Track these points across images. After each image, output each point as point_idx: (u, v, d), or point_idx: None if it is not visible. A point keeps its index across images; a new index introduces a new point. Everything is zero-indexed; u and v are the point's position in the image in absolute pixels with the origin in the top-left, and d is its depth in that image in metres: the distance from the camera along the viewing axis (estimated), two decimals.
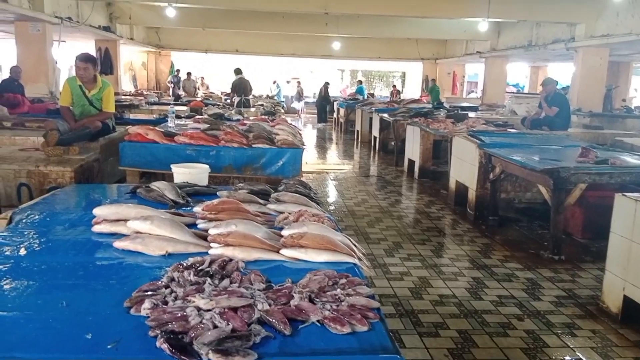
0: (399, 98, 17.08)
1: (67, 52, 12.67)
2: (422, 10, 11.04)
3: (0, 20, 9.90)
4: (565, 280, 4.21)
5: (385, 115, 10.57)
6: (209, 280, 1.72)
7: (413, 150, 8.38)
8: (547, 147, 5.92)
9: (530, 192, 6.05)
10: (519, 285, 4.07)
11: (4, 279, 1.73)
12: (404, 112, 10.13)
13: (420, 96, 17.15)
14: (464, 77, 20.63)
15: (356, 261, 2.05)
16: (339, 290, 1.69)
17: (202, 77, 19.81)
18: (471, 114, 10.34)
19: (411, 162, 8.47)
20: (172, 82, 18.34)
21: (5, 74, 11.69)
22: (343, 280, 1.77)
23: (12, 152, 4.39)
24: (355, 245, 2.17)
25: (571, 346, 3.19)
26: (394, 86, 22.49)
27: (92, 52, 12.83)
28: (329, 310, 1.55)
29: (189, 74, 18.12)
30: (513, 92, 18.64)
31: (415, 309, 3.59)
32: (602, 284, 3.76)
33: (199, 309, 1.51)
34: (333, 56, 19.51)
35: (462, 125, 7.51)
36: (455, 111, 10.43)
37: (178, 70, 19.30)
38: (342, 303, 1.60)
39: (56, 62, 10.60)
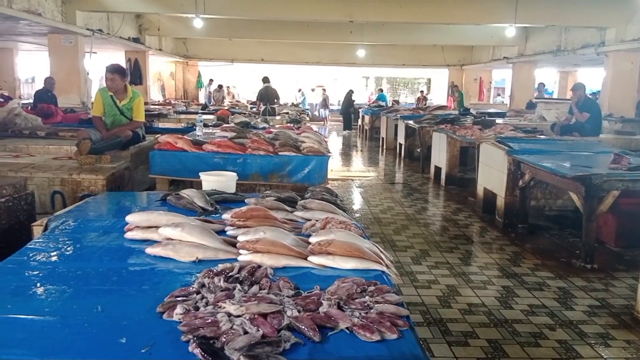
0: (425, 105, 16.97)
1: (99, 62, 13.01)
2: (448, 17, 10.98)
3: (34, 33, 10.25)
4: (599, 290, 4.10)
5: (411, 122, 10.51)
6: (238, 286, 1.74)
7: (439, 157, 8.30)
8: (578, 153, 5.80)
9: (561, 199, 5.92)
10: (550, 295, 3.98)
11: (41, 284, 1.78)
12: (430, 119, 10.06)
13: (447, 102, 17.03)
14: (490, 83, 20.39)
15: (384, 268, 2.04)
16: (367, 297, 1.68)
17: (228, 87, 20.07)
18: (499, 120, 10.20)
19: (437, 169, 8.40)
20: (210, 92, 18.74)
21: (39, 85, 12.07)
22: (371, 288, 1.76)
23: (47, 161, 4.52)
24: (382, 253, 2.17)
25: (605, 357, 3.10)
26: (422, 92, 22.39)
27: (122, 63, 13.16)
28: (358, 318, 1.55)
29: (220, 86, 18.44)
30: (543, 99, 18.34)
31: (443, 317, 3.54)
32: (636, 293, 3.64)
33: (229, 314, 1.53)
34: (357, 64, 19.55)
35: (490, 132, 7.42)
36: (483, 117, 10.30)
37: (211, 80, 19.60)
38: (371, 310, 1.60)
39: (88, 73, 10.89)
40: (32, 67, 18.95)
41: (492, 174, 6.04)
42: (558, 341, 3.25)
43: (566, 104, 9.73)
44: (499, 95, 21.76)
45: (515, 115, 12.83)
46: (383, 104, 17.67)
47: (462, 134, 7.58)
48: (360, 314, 1.58)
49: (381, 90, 21.98)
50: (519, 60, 15.01)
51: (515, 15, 10.33)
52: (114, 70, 4.99)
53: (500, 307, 3.75)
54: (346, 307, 1.62)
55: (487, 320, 3.54)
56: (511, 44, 14.50)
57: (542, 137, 7.67)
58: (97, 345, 1.38)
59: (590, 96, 8.90)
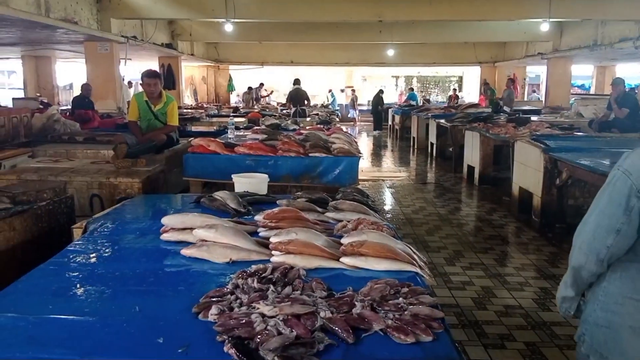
0: (456, 103, 16.72)
1: (134, 69, 13.33)
2: (479, 14, 10.79)
3: (71, 41, 10.56)
4: None
5: (443, 121, 10.38)
6: (272, 287, 1.75)
7: (472, 156, 8.17)
8: (618, 150, 5.59)
9: None
10: None
11: (81, 285, 1.83)
12: (462, 118, 9.91)
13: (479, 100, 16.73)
14: (524, 79, 19.93)
15: (417, 270, 2.02)
16: (401, 299, 1.67)
17: (262, 84, 20.11)
18: (534, 118, 9.97)
19: (470, 169, 8.26)
20: (251, 96, 18.96)
21: (77, 92, 12.45)
22: (405, 289, 1.75)
23: (85, 165, 4.65)
24: (415, 254, 2.14)
25: None
26: (454, 90, 22.08)
27: (156, 68, 13.43)
28: (392, 320, 1.54)
29: (249, 88, 18.64)
30: (578, 94, 17.82)
31: (479, 319, 3.48)
32: None
33: (263, 315, 1.54)
34: (387, 63, 19.41)
35: (525, 130, 7.25)
36: (517, 115, 10.08)
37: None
38: (405, 312, 1.58)
39: (123, 79, 11.17)
40: (69, 74, 19.60)
41: (527, 173, 5.90)
42: None
43: (604, 100, 9.42)
44: (534, 91, 21.22)
45: (550, 112, 12.51)
46: (414, 103, 17.50)
47: (495, 132, 7.44)
48: (394, 315, 1.56)
49: (411, 90, 21.78)
50: (553, 56, 14.61)
51: (549, 9, 10.06)
52: (155, 75, 5.11)
53: (538, 309, 3.66)
54: (380, 308, 1.61)
55: (525, 322, 3.47)
56: (545, 39, 14.12)
57: (580, 134, 7.45)
58: (136, 345, 1.41)
59: (630, 91, 8.58)
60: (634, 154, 1.58)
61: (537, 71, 22.13)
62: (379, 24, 13.28)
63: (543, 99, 16.21)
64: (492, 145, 7.71)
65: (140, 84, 5.12)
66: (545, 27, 11.72)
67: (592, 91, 19.91)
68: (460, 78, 26.24)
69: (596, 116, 8.73)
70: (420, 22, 13.41)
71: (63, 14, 8.38)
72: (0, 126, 6.08)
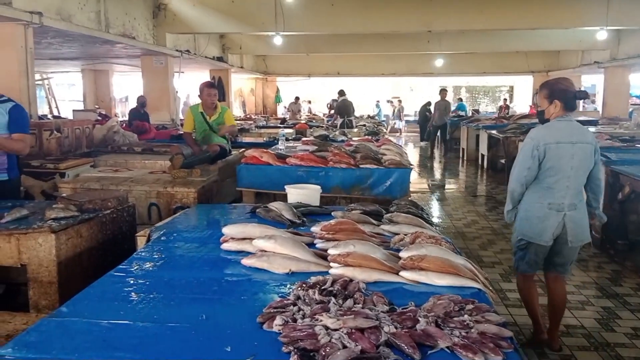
0: (507, 114, 16.31)
1: (188, 81, 13.75)
2: (532, 22, 10.51)
3: (128, 55, 11.04)
4: None
5: (494, 131, 10.14)
6: (333, 299, 1.75)
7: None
8: None
9: None
10: None
11: (149, 292, 1.89)
12: (514, 128, 9.65)
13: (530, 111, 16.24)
14: (580, 89, 19.20)
15: (480, 286, 1.97)
16: (466, 316, 1.63)
17: (297, 97, 20.20)
18: (591, 129, 9.58)
19: None
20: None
21: (132, 104, 12.96)
22: (470, 306, 1.71)
23: (143, 175, 4.82)
24: (477, 269, 2.10)
25: None
26: (505, 100, 21.56)
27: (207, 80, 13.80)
28: (459, 337, 1.51)
29: (297, 98, 18.86)
30: (637, 104, 17.01)
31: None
32: None
33: (326, 327, 1.54)
34: (435, 73, 19.19)
35: None
36: None
37: (297, 97, 19.77)
38: (472, 330, 1.55)
39: (176, 92, 11.54)
40: (124, 86, 20.45)
41: None
42: None
43: None
44: (592, 102, 20.39)
45: (608, 122, 12.00)
46: (462, 113, 17.19)
47: None
48: (460, 333, 1.53)
49: (460, 100, 21.42)
50: (610, 65, 14.04)
51: (606, 17, 9.70)
52: (215, 86, 5.31)
53: (601, 330, 3.50)
54: (444, 325, 1.59)
55: (587, 343, 3.32)
56: (602, 47, 13.59)
57: None
58: (205, 353, 1.45)
59: None
60: (535, 130, 3.10)
61: (592, 81, 21.30)
62: (427, 33, 13.17)
63: (600, 109, 15.57)
64: None
65: (199, 95, 5.26)
66: (602, 35, 11.29)
67: None
68: (511, 88, 25.61)
69: None
70: (469, 31, 13.20)
71: (122, 29, 8.77)
72: (64, 137, 6.40)
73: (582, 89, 20.10)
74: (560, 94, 3.01)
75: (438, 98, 14.05)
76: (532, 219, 3.00)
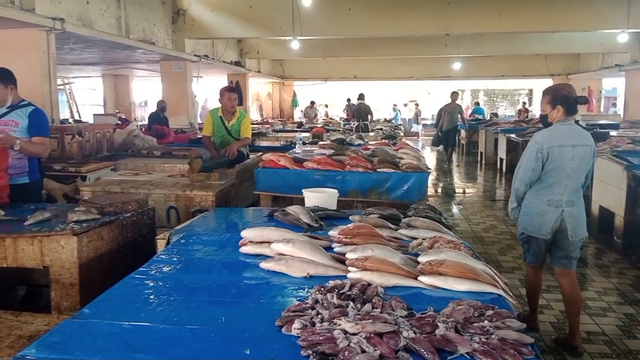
0: (526, 117, 16.12)
1: (206, 86, 13.87)
2: (552, 25, 10.38)
3: (148, 60, 11.19)
4: None
5: (513, 135, 10.03)
6: (351, 304, 1.75)
7: None
8: None
9: None
10: None
11: (169, 294, 1.92)
12: (534, 132, 9.51)
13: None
14: (600, 92, 18.91)
15: (500, 292, 1.95)
16: (486, 322, 1.62)
17: (312, 102, 20.18)
18: (612, 133, 9.42)
19: None
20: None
21: (151, 108, 13.13)
22: (490, 312, 1.70)
23: (163, 179, 4.88)
24: (497, 275, 2.08)
25: None
26: (523, 104, 21.32)
27: (225, 85, 13.91)
28: (478, 343, 1.49)
29: (312, 102, 18.91)
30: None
31: (559, 346, 3.30)
32: None
33: (345, 332, 1.54)
34: (452, 77, 19.07)
35: (604, 145, 6.86)
36: (594, 129, 9.57)
37: (313, 102, 19.86)
38: (492, 336, 1.53)
39: (195, 96, 11.66)
40: (143, 91, 20.73)
41: (608, 191, 5.57)
42: None
43: None
44: (614, 105, 20.01)
45: (630, 126, 11.78)
46: (480, 117, 17.05)
47: None
48: (480, 339, 1.52)
49: (477, 104, 21.25)
50: (632, 68, 13.78)
51: (627, 19, 9.53)
52: (235, 90, 5.35)
53: (623, 337, 3.43)
54: (464, 331, 1.57)
55: (609, 350, 3.26)
56: (623, 50, 13.35)
57: None
58: (224, 355, 1.46)
59: None
60: (539, 133, 3.29)
61: (614, 84, 20.96)
62: (445, 37, 13.09)
63: (621, 112, 15.32)
64: None
65: (219, 99, 5.30)
66: (623, 37, 11.12)
67: None
68: (530, 91, 25.31)
69: None
70: (488, 34, 13.10)
71: (142, 34, 8.90)
72: (86, 141, 6.51)
73: (603, 92, 19.67)
74: (562, 100, 3.18)
75: (458, 102, 13.65)
76: (532, 214, 3.25)
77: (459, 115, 12.44)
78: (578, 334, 3.26)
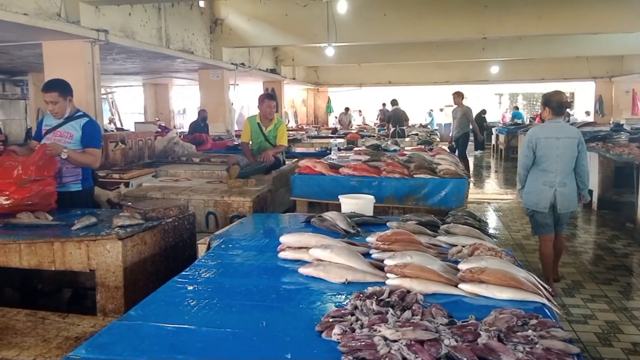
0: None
1: (242, 93, 14.07)
2: (594, 26, 10.07)
3: (187, 69, 11.47)
4: None
5: None
6: (391, 310, 1.75)
7: (590, 178, 7.56)
8: None
9: None
10: None
11: (211, 298, 1.96)
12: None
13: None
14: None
15: (544, 301, 1.91)
16: (530, 331, 1.59)
17: (347, 108, 20.15)
18: None
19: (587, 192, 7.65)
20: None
21: (189, 116, 13.42)
22: (534, 321, 1.66)
23: (202, 185, 4.98)
24: (540, 283, 2.03)
25: None
26: None
27: (261, 92, 14.11)
28: (522, 353, 1.46)
29: (347, 108, 18.94)
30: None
31: (604, 357, 3.19)
32: None
33: (385, 338, 1.54)
34: (490, 81, 18.74)
35: None
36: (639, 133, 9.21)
37: (347, 108, 19.83)
38: (536, 346, 1.50)
39: (232, 104, 11.86)
40: (182, 99, 21.20)
41: None
42: None
43: None
44: None
45: None
46: (519, 121, 16.69)
47: (616, 152, 6.86)
48: (524, 348, 1.49)
49: (516, 108, 20.81)
50: None
51: None
52: (273, 98, 5.45)
53: None
54: (507, 340, 1.54)
55: None
56: None
57: None
58: (266, 358, 1.48)
59: None
60: (532, 129, 4.46)
61: None
62: (482, 40, 12.89)
63: None
64: (613, 166, 7.12)
65: (258, 105, 5.39)
66: None
67: None
68: (572, 94, 24.59)
69: None
70: (526, 37, 12.82)
71: (181, 44, 9.14)
72: (128, 148, 6.72)
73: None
74: (550, 103, 4.14)
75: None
76: (532, 193, 4.17)
77: (468, 120, 10.18)
78: (557, 270, 4.48)
